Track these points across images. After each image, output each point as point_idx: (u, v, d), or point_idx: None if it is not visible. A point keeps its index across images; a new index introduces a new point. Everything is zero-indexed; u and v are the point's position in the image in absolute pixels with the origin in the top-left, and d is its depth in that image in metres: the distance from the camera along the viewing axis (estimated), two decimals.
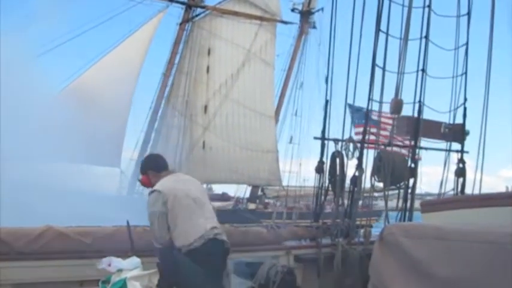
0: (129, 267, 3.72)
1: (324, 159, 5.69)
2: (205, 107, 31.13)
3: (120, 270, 3.67)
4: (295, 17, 35.26)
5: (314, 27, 34.87)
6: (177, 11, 31.57)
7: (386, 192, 5.35)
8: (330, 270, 5.26)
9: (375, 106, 5.40)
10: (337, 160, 5.52)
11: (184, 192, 4.07)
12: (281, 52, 34.97)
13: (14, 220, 5.13)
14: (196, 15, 31.64)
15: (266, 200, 33.06)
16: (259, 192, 32.90)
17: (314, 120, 35.76)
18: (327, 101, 5.89)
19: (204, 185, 30.96)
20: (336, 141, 5.57)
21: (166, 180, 4.15)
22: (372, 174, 5.37)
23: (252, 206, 31.55)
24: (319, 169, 5.71)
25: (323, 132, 5.85)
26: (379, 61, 5.40)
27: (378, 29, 5.41)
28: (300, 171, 34.02)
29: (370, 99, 5.40)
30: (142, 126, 30.70)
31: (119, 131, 28.47)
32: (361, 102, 5.91)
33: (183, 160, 30.01)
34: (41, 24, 27.94)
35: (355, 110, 36.27)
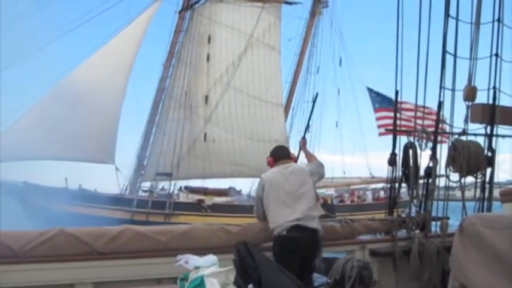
0: (206, 264, 3.88)
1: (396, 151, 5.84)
2: (206, 98, 31.17)
3: (197, 268, 3.83)
4: None
5: (327, 6, 34.95)
6: None
7: (462, 182, 5.50)
8: (406, 264, 5.45)
9: (447, 94, 5.52)
10: (410, 151, 5.67)
11: (280, 182, 4.87)
12: (293, 36, 35.14)
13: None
14: (196, 2, 31.63)
15: None
16: None
17: (328, 107, 36.00)
18: (397, 92, 5.98)
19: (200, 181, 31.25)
20: (408, 132, 5.72)
21: (273, 170, 5.06)
22: (447, 165, 5.52)
23: None
24: (392, 161, 5.86)
25: (394, 123, 6.04)
26: (449, 47, 5.54)
27: (447, 14, 5.55)
28: None
29: (442, 87, 5.54)
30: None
31: (110, 126, 28.61)
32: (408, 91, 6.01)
33: (184, 154, 30.13)
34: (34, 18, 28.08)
35: (375, 95, 36.24)
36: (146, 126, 31.24)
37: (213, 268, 3.84)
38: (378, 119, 34.99)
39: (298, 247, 4.67)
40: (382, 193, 35.65)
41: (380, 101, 34.82)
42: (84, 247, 4.36)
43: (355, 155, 41.47)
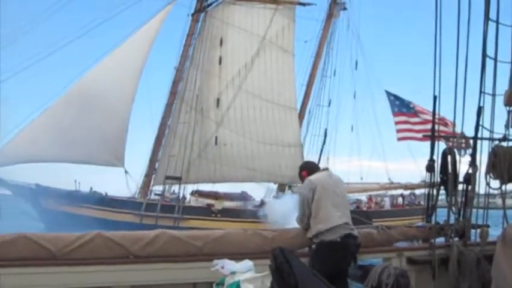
0: (242, 269, 3.97)
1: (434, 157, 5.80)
2: (218, 101, 31.18)
3: (233, 273, 3.92)
4: None
5: (344, 8, 34.73)
6: (187, 1, 31.92)
7: (503, 190, 5.43)
8: (444, 273, 5.40)
9: (487, 99, 5.46)
10: (449, 158, 5.62)
11: (332, 186, 5.09)
12: (309, 38, 34.98)
13: None
14: (209, 5, 31.68)
15: None
16: (287, 190, 32.53)
17: (345, 111, 36.05)
18: (435, 97, 5.94)
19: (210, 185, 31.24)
20: (446, 138, 5.67)
21: (319, 174, 5.22)
22: (487, 171, 5.46)
23: None
24: (430, 168, 5.83)
25: (432, 129, 6.00)
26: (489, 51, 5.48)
27: (487, 17, 5.50)
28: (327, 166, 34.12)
29: (482, 92, 5.49)
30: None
31: (120, 129, 28.81)
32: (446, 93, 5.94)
33: (195, 158, 30.16)
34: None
35: (393, 98, 35.93)
36: (158, 129, 31.39)
37: (249, 274, 3.93)
38: (396, 123, 34.84)
39: (347, 256, 4.89)
40: (400, 200, 35.50)
41: (399, 105, 34.69)
42: (120, 251, 4.48)
43: (372, 160, 41.30)
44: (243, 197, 31.39)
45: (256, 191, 32.61)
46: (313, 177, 5.15)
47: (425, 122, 33.78)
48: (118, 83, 28.38)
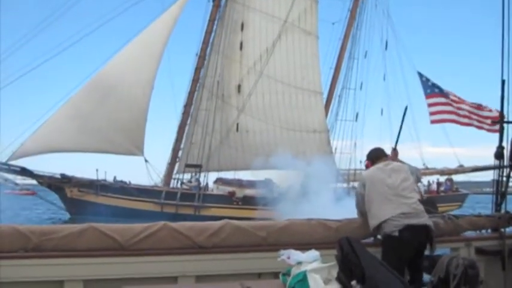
0: (309, 259, 3.95)
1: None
2: (239, 87, 31.10)
3: (299, 263, 3.92)
4: None
5: None
6: None
7: None
8: None
9: None
10: None
11: (381, 178, 5.02)
12: (337, 19, 34.38)
13: None
14: None
15: None
16: None
17: (374, 94, 34.83)
18: (503, 81, 5.78)
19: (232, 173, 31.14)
20: None
21: (372, 168, 5.22)
22: None
23: None
24: (499, 155, 5.76)
25: (501, 114, 5.85)
26: None
27: None
28: (355, 152, 33.41)
29: None
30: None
31: (139, 118, 29.27)
32: None
33: (217, 145, 30.25)
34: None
35: (425, 79, 34.67)
36: (181, 118, 31.75)
37: (316, 264, 3.92)
38: (429, 105, 33.43)
39: (412, 248, 4.79)
40: (435, 186, 34.05)
41: (431, 86, 33.27)
42: (186, 241, 4.64)
43: (405, 145, 39.82)
44: (266, 184, 31.10)
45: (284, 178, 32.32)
46: (365, 172, 5.33)
47: (460, 101, 32.19)
48: (136, 71, 28.84)
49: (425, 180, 35.03)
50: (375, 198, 4.97)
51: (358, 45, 33.87)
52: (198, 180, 30.50)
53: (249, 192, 29.83)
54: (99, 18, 29.18)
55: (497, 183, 5.83)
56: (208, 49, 31.59)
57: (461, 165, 33.66)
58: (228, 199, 29.43)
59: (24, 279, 4.11)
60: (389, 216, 4.82)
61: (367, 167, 5.36)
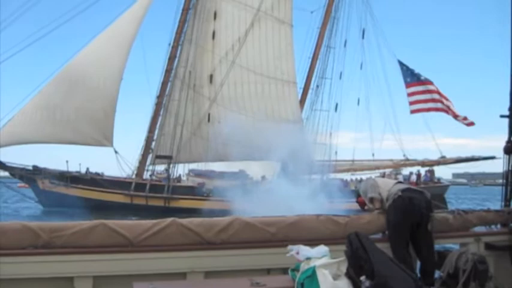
0: (318, 255, 3.99)
1: None
2: (211, 77, 31.06)
3: (308, 259, 3.95)
4: None
5: None
6: None
7: None
8: None
9: None
10: None
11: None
12: (316, 8, 34.08)
13: None
14: None
15: None
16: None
17: (352, 83, 34.22)
18: None
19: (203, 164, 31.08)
20: None
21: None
22: None
23: None
24: (509, 149, 5.73)
25: (510, 108, 5.77)
26: None
27: None
28: (330, 142, 33.21)
29: None
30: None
31: (107, 109, 29.37)
32: None
33: (189, 137, 30.27)
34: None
35: (406, 68, 34.60)
36: (154, 108, 31.82)
37: (325, 259, 3.96)
38: (409, 95, 33.08)
39: (413, 208, 4.89)
40: (414, 177, 33.73)
41: (411, 74, 32.93)
42: (195, 237, 4.66)
43: (385, 136, 39.40)
44: (239, 176, 31.05)
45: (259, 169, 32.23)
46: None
47: (436, 91, 31.81)
48: (104, 62, 28.99)
49: (406, 171, 34.83)
50: (382, 186, 5.17)
51: (337, 34, 33.51)
52: (167, 171, 30.63)
53: (220, 183, 29.84)
54: (73, 8, 29.05)
55: (507, 178, 5.84)
56: (182, 39, 31.55)
57: (443, 157, 33.30)
58: (197, 190, 29.50)
59: (34, 275, 4.17)
60: (396, 189, 4.99)
61: (361, 203, 5.47)
